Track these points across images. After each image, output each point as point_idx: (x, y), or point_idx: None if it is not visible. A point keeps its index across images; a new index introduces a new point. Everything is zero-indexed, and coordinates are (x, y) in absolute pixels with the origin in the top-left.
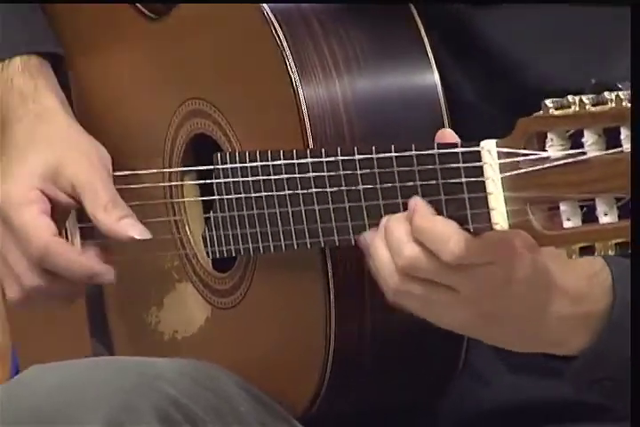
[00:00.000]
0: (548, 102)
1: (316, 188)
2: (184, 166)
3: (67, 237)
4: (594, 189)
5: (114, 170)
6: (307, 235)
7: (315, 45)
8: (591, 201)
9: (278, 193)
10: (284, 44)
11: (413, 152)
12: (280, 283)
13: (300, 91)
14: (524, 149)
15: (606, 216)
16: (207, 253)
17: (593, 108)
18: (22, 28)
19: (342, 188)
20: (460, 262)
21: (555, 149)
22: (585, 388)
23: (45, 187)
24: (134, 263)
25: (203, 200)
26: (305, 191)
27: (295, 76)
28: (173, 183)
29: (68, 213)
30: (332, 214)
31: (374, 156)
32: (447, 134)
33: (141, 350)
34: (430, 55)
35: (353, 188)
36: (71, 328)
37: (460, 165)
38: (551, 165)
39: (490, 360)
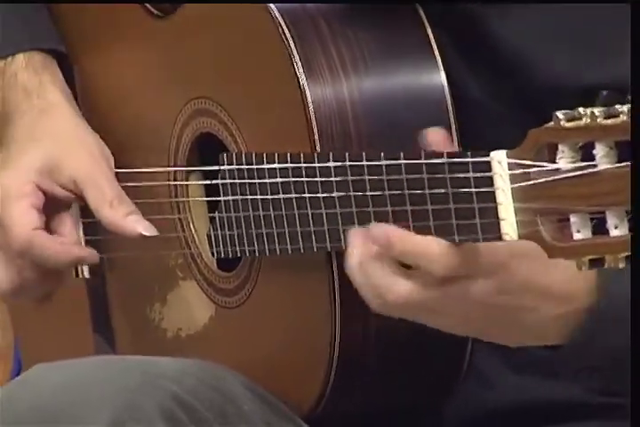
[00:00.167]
0: (559, 114)
1: (323, 192)
2: (189, 165)
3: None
4: (604, 202)
5: (118, 167)
6: (314, 238)
7: (322, 45)
8: (602, 213)
9: (285, 196)
10: (292, 43)
11: (422, 160)
12: (285, 283)
13: (307, 90)
14: (535, 160)
15: (617, 229)
16: (212, 252)
17: (604, 121)
18: (25, 26)
19: (350, 193)
20: (449, 275)
21: (565, 161)
22: (571, 377)
23: (41, 181)
24: (138, 260)
25: (208, 200)
26: (312, 195)
27: (302, 76)
28: (179, 183)
29: (67, 207)
30: (340, 219)
31: (383, 162)
32: (434, 136)
33: (144, 346)
34: (437, 55)
35: (360, 193)
36: (74, 324)
37: (470, 174)
38: (562, 176)
39: (494, 361)
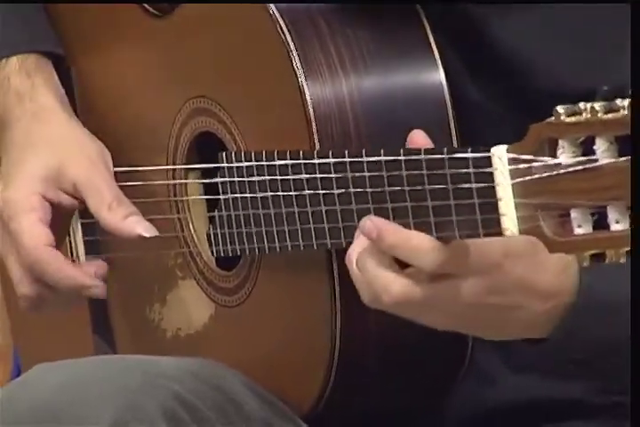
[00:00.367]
0: (560, 109)
1: (323, 189)
2: (188, 164)
3: (71, 248)
4: (605, 197)
5: (117, 167)
6: (314, 236)
7: (321, 44)
8: (602, 208)
9: (285, 193)
10: (291, 42)
11: (422, 156)
12: (285, 282)
13: (306, 89)
14: (535, 155)
15: (618, 224)
16: (211, 251)
17: (605, 116)
18: (22, 28)
19: (350, 190)
20: (440, 271)
21: (566, 156)
22: (557, 368)
23: (47, 191)
24: (137, 260)
25: (207, 198)
26: (312, 192)
27: (301, 75)
28: (177, 181)
29: (72, 214)
30: (340, 216)
31: (382, 158)
32: (416, 137)
33: (144, 346)
34: (436, 54)
35: (360, 190)
36: (73, 325)
37: (471, 170)
38: (562, 171)
39: (494, 360)
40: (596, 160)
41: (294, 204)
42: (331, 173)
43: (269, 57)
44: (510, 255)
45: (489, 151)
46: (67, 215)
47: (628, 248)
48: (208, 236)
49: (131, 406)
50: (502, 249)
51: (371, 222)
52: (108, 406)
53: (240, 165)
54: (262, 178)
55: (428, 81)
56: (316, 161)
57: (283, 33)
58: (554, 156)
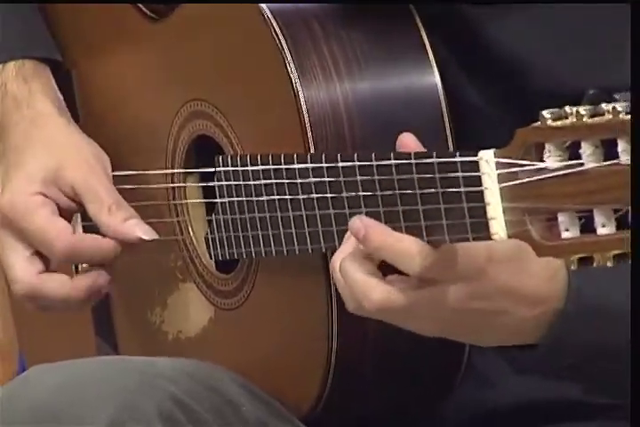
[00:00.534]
0: (546, 113)
1: (316, 193)
2: (186, 168)
3: None
4: (591, 201)
5: (115, 170)
6: (308, 240)
7: (315, 47)
8: (589, 212)
9: (280, 197)
10: (284, 45)
11: (412, 160)
12: (282, 285)
13: (301, 92)
14: (523, 159)
15: (604, 227)
16: (210, 254)
17: (590, 120)
18: (19, 33)
19: (342, 194)
20: (426, 276)
21: (552, 160)
22: (552, 375)
23: (47, 191)
24: (138, 263)
25: (206, 202)
26: (306, 196)
27: (295, 78)
28: (176, 185)
29: (70, 216)
30: (333, 220)
31: (374, 163)
32: (406, 140)
33: (146, 349)
34: (431, 56)
35: (353, 194)
36: (76, 327)
37: (459, 174)
38: (549, 175)
39: (494, 362)
40: (581, 164)
41: (289, 208)
42: (324, 177)
43: (264, 60)
44: (494, 260)
45: (477, 155)
46: (65, 218)
47: (615, 252)
48: (206, 239)
49: (128, 406)
50: (486, 254)
51: (360, 222)
52: (106, 406)
53: (235, 168)
54: (257, 182)
55: (422, 83)
56: (309, 165)
57: (277, 36)
58: (541, 159)
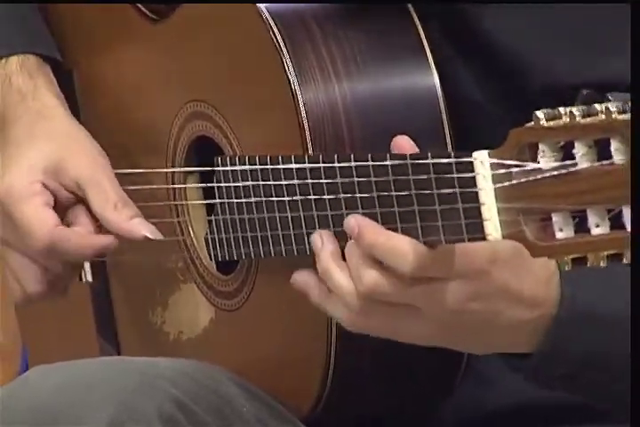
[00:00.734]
0: (539, 113)
1: (314, 194)
2: (186, 168)
3: None
4: (584, 201)
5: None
6: (305, 241)
7: (313, 47)
8: (583, 212)
9: (277, 198)
10: (283, 46)
11: (408, 161)
12: (282, 286)
13: (299, 93)
14: (517, 159)
15: (598, 228)
16: (209, 255)
17: (583, 120)
18: (21, 30)
19: (340, 195)
20: (420, 275)
21: (546, 160)
22: (545, 385)
23: (47, 180)
24: (140, 264)
25: (206, 203)
26: (303, 197)
27: (293, 79)
28: (176, 186)
29: (68, 208)
30: (331, 221)
31: (370, 163)
32: (401, 142)
33: (147, 349)
34: (429, 55)
35: (350, 195)
36: (79, 327)
37: (454, 175)
38: (543, 176)
39: (494, 362)
40: (575, 164)
41: (287, 208)
42: (322, 178)
43: (262, 61)
44: (498, 261)
45: (471, 156)
46: (62, 209)
47: (609, 252)
48: (206, 240)
49: (128, 407)
50: (489, 254)
51: (354, 220)
52: (106, 406)
53: (234, 168)
54: (256, 183)
55: (420, 83)
56: (306, 165)
57: (275, 37)
58: (535, 160)
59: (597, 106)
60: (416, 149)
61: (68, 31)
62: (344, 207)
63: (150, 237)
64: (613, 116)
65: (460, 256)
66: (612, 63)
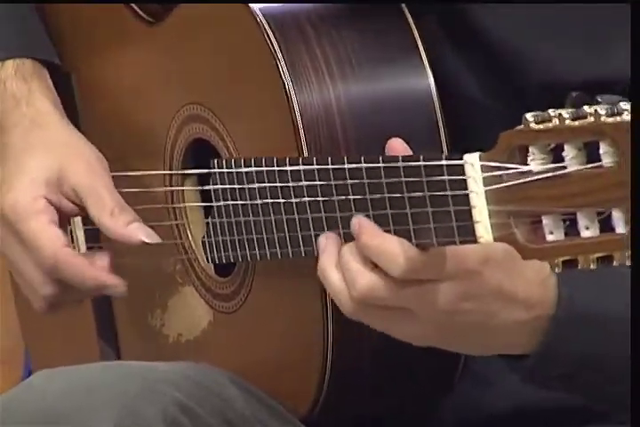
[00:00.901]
0: (529, 116)
1: (308, 196)
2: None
3: (73, 244)
4: (574, 204)
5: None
6: (301, 243)
7: (307, 49)
8: (573, 214)
9: (272, 200)
10: (277, 49)
11: (400, 163)
12: (279, 288)
13: (293, 95)
14: (507, 162)
15: (588, 230)
16: (207, 258)
17: (572, 123)
18: (17, 32)
19: (333, 198)
20: (412, 278)
21: (536, 163)
22: (542, 385)
23: (50, 194)
24: (139, 266)
25: (204, 205)
26: (297, 200)
27: (288, 81)
28: (173, 188)
29: (70, 219)
30: (325, 223)
31: (363, 165)
32: (394, 144)
33: (147, 352)
34: (423, 55)
35: (343, 197)
36: (79, 330)
37: (445, 177)
38: (533, 178)
39: (493, 363)
40: (564, 167)
41: (282, 211)
42: (315, 180)
43: (257, 63)
44: (489, 262)
45: (462, 159)
46: (63, 221)
47: (599, 254)
48: (203, 243)
49: (131, 411)
50: (481, 256)
51: (357, 221)
52: (109, 412)
53: (230, 170)
54: (251, 185)
55: (415, 83)
56: (300, 167)
57: (269, 39)
58: (525, 163)
59: (587, 108)
60: (409, 152)
61: (66, 34)
62: (338, 209)
63: (148, 241)
64: (602, 119)
65: (452, 258)
66: (611, 61)
